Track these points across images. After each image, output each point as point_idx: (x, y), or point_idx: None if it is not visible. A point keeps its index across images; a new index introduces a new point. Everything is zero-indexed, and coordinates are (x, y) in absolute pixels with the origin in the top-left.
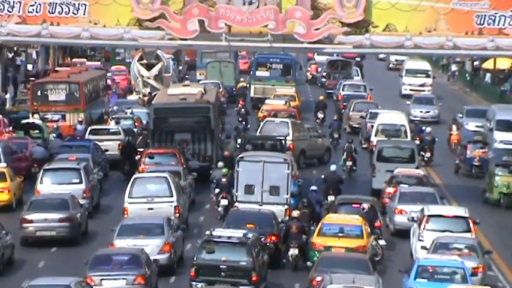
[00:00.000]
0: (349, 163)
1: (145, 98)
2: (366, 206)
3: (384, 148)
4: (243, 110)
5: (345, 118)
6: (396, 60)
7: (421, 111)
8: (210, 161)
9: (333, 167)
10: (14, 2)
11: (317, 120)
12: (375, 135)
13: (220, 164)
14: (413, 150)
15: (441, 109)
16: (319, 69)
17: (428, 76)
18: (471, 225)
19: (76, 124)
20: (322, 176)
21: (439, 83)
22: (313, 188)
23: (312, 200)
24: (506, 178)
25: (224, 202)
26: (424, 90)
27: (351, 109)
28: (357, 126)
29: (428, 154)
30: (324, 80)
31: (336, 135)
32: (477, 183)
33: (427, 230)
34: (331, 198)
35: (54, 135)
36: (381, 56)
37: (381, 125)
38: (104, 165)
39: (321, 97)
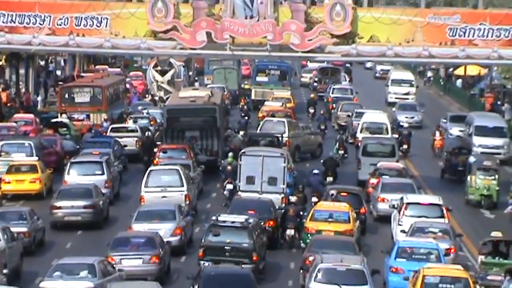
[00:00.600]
0: (341, 152)
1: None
2: None
3: (368, 144)
4: (245, 107)
5: (334, 117)
6: (382, 70)
7: (406, 117)
8: (216, 155)
9: (330, 153)
10: (44, 16)
11: (309, 115)
12: (360, 132)
13: (230, 154)
14: (393, 146)
15: (424, 115)
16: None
17: (412, 85)
18: (444, 211)
19: (102, 122)
20: (322, 161)
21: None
22: (316, 171)
23: (315, 181)
24: (487, 181)
25: (229, 186)
26: (408, 99)
27: (339, 109)
28: (344, 124)
29: (405, 146)
30: (315, 84)
31: (322, 127)
32: (461, 187)
33: (406, 216)
34: (329, 179)
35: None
36: (368, 65)
37: (366, 123)
38: (123, 159)
39: (312, 95)
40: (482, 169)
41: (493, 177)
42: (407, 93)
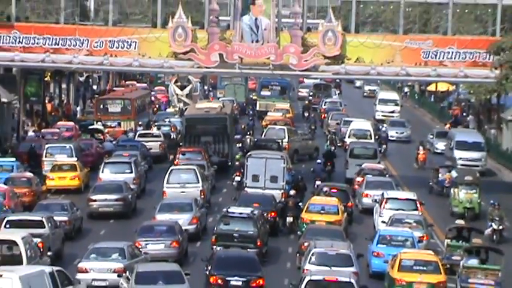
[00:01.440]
0: (331, 147)
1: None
2: None
3: (354, 147)
4: (251, 112)
5: (325, 125)
6: (369, 90)
7: (396, 132)
8: (226, 157)
9: (327, 147)
10: (83, 39)
11: (304, 117)
12: (348, 137)
13: (239, 153)
14: (375, 149)
15: (412, 130)
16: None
17: (397, 104)
18: (418, 205)
19: (128, 131)
20: (322, 154)
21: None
22: (318, 161)
23: (318, 168)
24: (469, 195)
25: (237, 178)
26: (393, 116)
27: (329, 118)
28: (333, 130)
29: (384, 146)
30: (310, 97)
31: (313, 127)
32: (447, 200)
33: (386, 208)
34: (328, 167)
35: (128, 135)
36: (357, 84)
37: (353, 130)
38: (148, 160)
39: (306, 102)
40: (464, 184)
41: (474, 191)
42: (392, 111)
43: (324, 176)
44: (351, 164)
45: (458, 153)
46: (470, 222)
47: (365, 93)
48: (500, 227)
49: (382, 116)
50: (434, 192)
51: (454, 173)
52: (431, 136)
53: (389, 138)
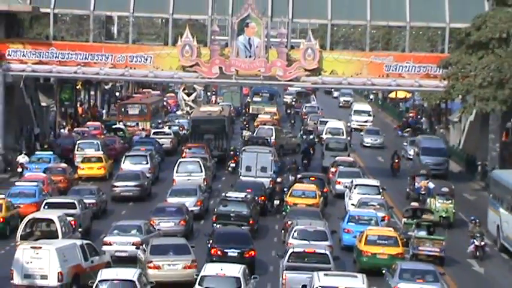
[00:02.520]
0: (305, 136)
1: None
2: None
3: (329, 142)
4: (246, 113)
5: (304, 124)
6: (344, 100)
7: (371, 139)
8: (224, 151)
9: (310, 137)
10: (108, 55)
11: (286, 114)
12: (325, 134)
13: (234, 146)
14: (346, 144)
15: (385, 138)
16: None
17: (369, 115)
18: (381, 190)
19: (141, 132)
20: (306, 143)
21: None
22: (305, 145)
23: (306, 149)
24: (445, 205)
25: (232, 165)
26: (366, 125)
27: (309, 119)
28: (311, 129)
29: (349, 138)
30: (294, 103)
31: (292, 121)
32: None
33: (355, 193)
34: (304, 162)
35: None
36: (335, 95)
37: (329, 128)
38: (161, 153)
39: (288, 102)
40: (441, 194)
41: (450, 202)
42: (366, 121)
43: (310, 157)
44: (326, 155)
45: (424, 158)
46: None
47: (340, 104)
48: (482, 243)
49: (357, 125)
50: (411, 198)
51: (431, 184)
52: (405, 144)
53: (363, 143)
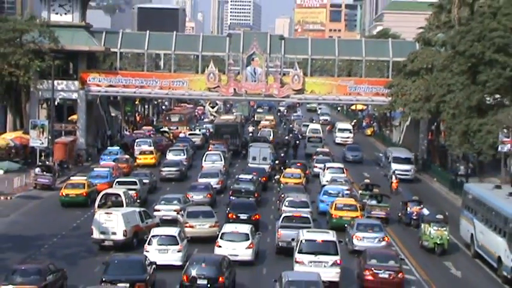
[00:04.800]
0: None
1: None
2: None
3: (310, 137)
4: (253, 119)
5: (291, 127)
6: (323, 119)
7: (352, 155)
8: (237, 147)
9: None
10: (156, 80)
11: (280, 121)
12: (308, 133)
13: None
14: (321, 138)
15: (364, 154)
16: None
17: (350, 132)
18: (345, 171)
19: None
20: (293, 139)
21: (334, 115)
22: (282, 155)
23: (282, 158)
24: (439, 232)
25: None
26: (348, 141)
27: (294, 123)
28: (295, 130)
29: (297, 142)
30: (285, 113)
31: (284, 126)
32: (415, 232)
33: (327, 173)
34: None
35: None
36: (319, 112)
37: (310, 129)
38: (194, 148)
39: (281, 108)
40: (435, 222)
41: (444, 228)
42: (347, 137)
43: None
44: (308, 146)
45: (394, 166)
46: (439, 255)
47: (321, 121)
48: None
49: (341, 141)
50: (403, 222)
51: (425, 211)
52: (380, 154)
53: (346, 158)
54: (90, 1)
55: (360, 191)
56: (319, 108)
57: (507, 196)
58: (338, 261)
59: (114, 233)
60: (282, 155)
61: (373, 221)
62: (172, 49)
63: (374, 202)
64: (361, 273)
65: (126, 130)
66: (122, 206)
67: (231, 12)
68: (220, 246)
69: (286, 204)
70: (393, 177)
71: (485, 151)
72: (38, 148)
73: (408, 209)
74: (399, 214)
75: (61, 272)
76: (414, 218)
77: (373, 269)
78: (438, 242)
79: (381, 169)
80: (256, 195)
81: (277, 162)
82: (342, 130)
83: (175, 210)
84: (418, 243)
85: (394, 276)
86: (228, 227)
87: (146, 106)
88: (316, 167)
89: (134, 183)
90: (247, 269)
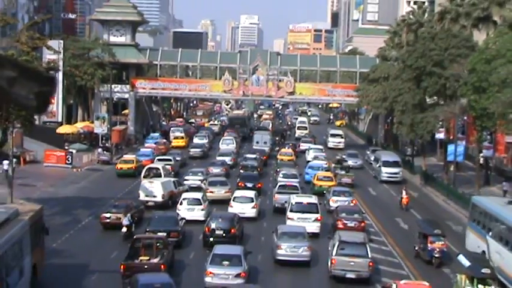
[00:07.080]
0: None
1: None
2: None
3: (299, 126)
4: (257, 113)
5: (285, 120)
6: (314, 120)
7: (352, 162)
8: (245, 134)
9: (287, 121)
10: (186, 85)
11: (276, 115)
12: (297, 124)
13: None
14: (307, 127)
15: (362, 159)
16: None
17: (342, 137)
18: (324, 150)
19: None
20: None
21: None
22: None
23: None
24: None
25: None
26: (339, 145)
27: (288, 117)
28: (289, 123)
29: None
30: (280, 109)
31: (280, 120)
32: (439, 272)
33: (310, 152)
34: (281, 139)
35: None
36: (309, 114)
37: (299, 121)
38: (213, 134)
39: (276, 104)
40: (481, 279)
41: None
42: (339, 142)
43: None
44: (297, 132)
45: (384, 169)
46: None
47: (311, 121)
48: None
49: (333, 145)
50: (420, 258)
51: (462, 258)
52: (368, 152)
53: (348, 165)
54: (138, 27)
55: (333, 164)
56: (309, 111)
57: None
58: (319, 218)
59: (155, 196)
60: (277, 138)
61: (345, 188)
62: (198, 62)
63: (343, 172)
64: (335, 223)
65: (164, 121)
66: (161, 176)
67: (241, 35)
68: (232, 207)
69: (281, 175)
70: (403, 192)
71: (426, 137)
72: (100, 134)
73: (429, 244)
74: (416, 248)
75: (139, 208)
76: (436, 255)
77: (343, 219)
78: (436, 256)
79: (369, 169)
80: (259, 169)
81: (277, 141)
82: (334, 135)
83: (200, 180)
84: None
85: (358, 225)
86: (238, 193)
87: (178, 103)
88: (301, 145)
89: (170, 160)
90: (252, 223)
